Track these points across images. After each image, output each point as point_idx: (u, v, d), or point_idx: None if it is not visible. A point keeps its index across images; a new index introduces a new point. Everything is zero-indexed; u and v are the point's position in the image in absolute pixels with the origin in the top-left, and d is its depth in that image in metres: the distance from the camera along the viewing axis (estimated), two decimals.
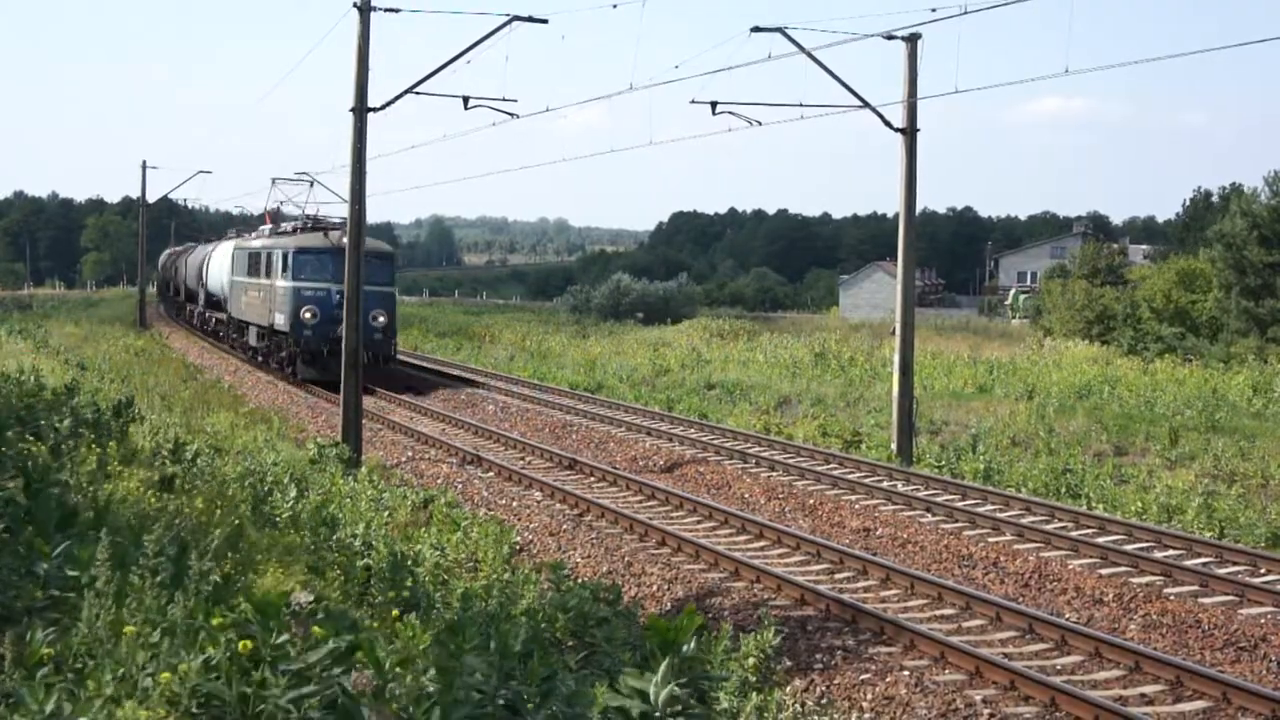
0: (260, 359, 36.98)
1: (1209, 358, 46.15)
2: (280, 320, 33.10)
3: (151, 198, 64.13)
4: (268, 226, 40.80)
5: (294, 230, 36.17)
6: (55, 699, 4.69)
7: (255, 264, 36.45)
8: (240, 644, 4.69)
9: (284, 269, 32.80)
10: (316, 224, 35.56)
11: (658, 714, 5.12)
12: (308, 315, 31.85)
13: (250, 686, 4.63)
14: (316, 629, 4.78)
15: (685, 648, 5.34)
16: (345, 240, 30.64)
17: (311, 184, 40.51)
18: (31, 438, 12.98)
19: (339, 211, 39.35)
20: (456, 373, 38.58)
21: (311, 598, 4.94)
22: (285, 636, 4.77)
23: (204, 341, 48.94)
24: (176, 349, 45.41)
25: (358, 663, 4.78)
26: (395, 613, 6.22)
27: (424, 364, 41.33)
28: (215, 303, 46.11)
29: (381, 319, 32.01)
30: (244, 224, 59.23)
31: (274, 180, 42.32)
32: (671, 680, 5.14)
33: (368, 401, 28.29)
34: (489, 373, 39.00)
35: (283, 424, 25.34)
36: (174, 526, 9.61)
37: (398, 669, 4.80)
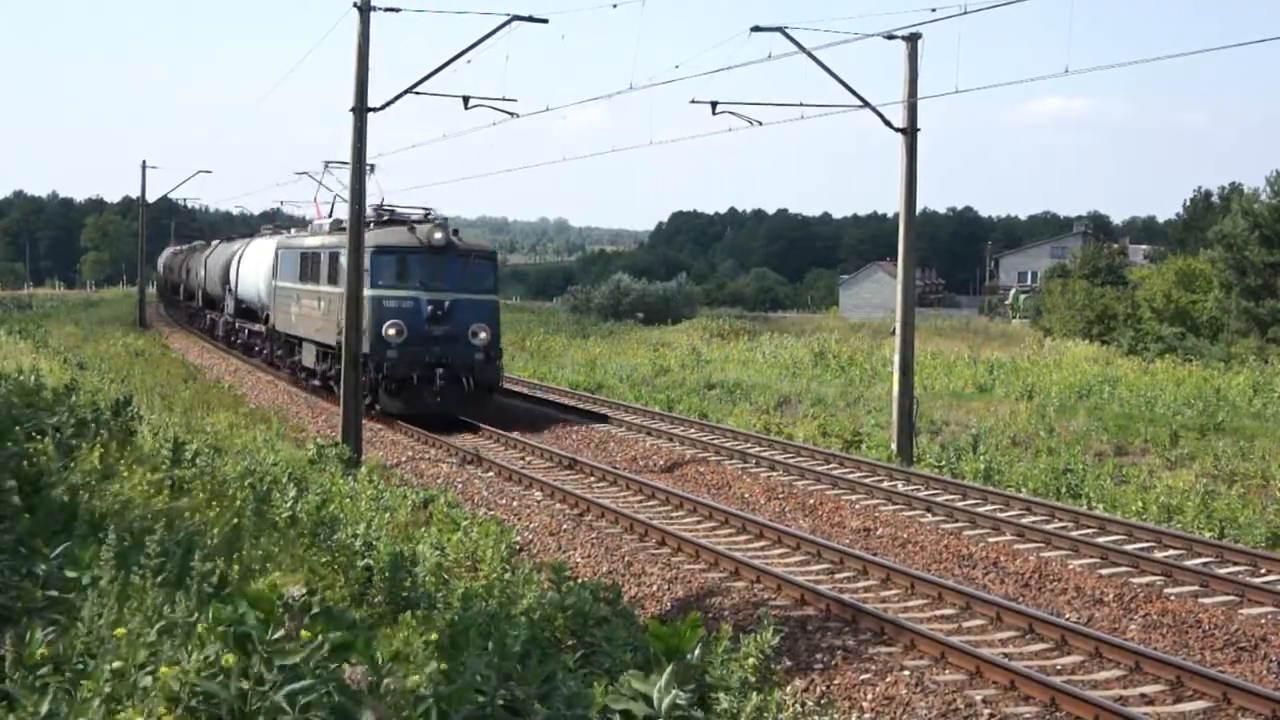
0: (320, 384, 30.22)
1: (1209, 358, 46.16)
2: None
3: (151, 198, 64.20)
4: (323, 221, 33.47)
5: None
6: (51, 698, 4.69)
7: (312, 266, 30.01)
8: (233, 647, 4.69)
9: None
10: (394, 216, 29.12)
11: (660, 718, 5.12)
12: (392, 332, 25.36)
13: (248, 682, 4.62)
14: (305, 633, 4.78)
15: (690, 655, 5.35)
16: (438, 236, 25.94)
17: (371, 169, 35.25)
18: (38, 436, 12.99)
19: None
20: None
21: (304, 591, 4.95)
22: (280, 632, 4.77)
23: (204, 341, 48.87)
24: (176, 349, 45.41)
25: (351, 660, 4.78)
26: (408, 614, 6.20)
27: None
28: (247, 311, 39.69)
29: (483, 335, 25.94)
30: (264, 222, 56.12)
31: (326, 164, 34.21)
32: (675, 687, 5.14)
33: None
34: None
35: (282, 424, 25.34)
36: (175, 527, 9.61)
37: (392, 664, 4.80)
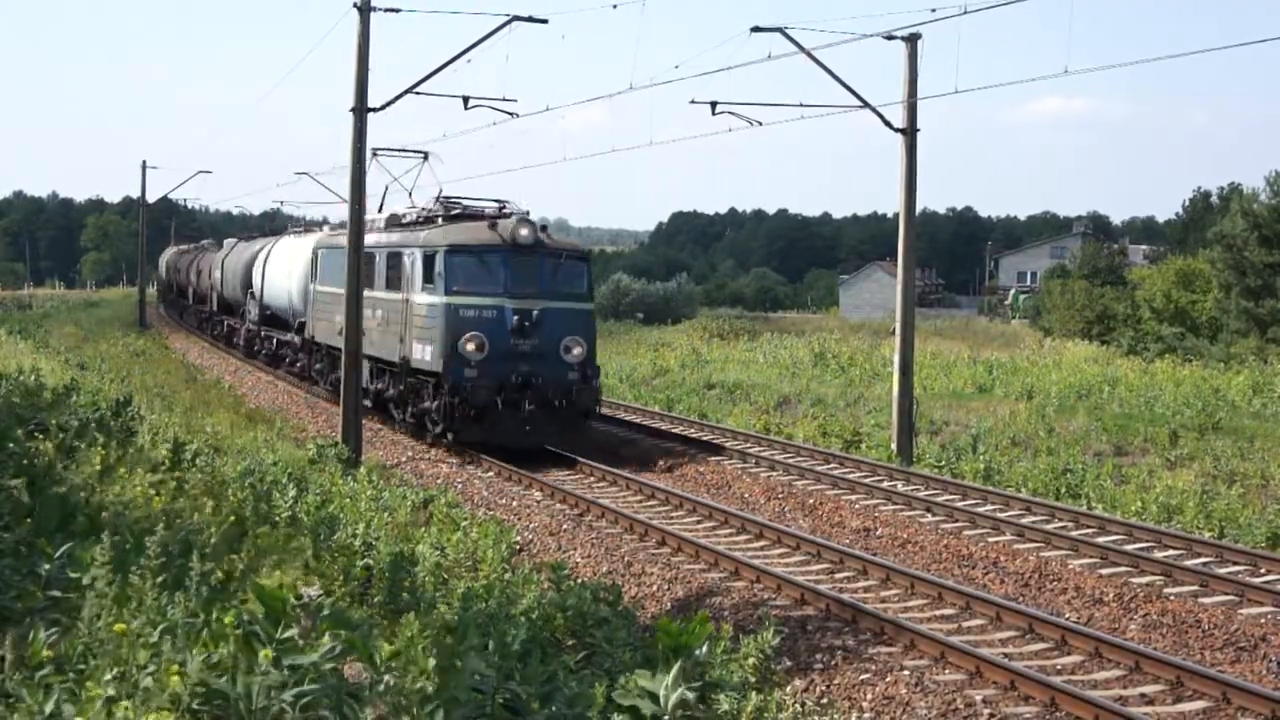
0: (373, 405, 25.78)
1: (1209, 358, 46.20)
2: (422, 354, 22.57)
3: (151, 198, 64.22)
4: (374, 216, 28.37)
5: (426, 219, 25.35)
6: (55, 699, 4.70)
7: (366, 268, 24.94)
8: (245, 642, 4.70)
9: (427, 277, 22.50)
10: (467, 210, 24.99)
11: (666, 717, 5.13)
12: (471, 347, 21.44)
13: (255, 679, 4.63)
14: (324, 640, 4.79)
15: (698, 652, 5.37)
16: (524, 233, 22.21)
17: (425, 157, 28.77)
18: (40, 435, 13.01)
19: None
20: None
21: (319, 591, 4.97)
22: (294, 630, 4.78)
23: (204, 341, 48.84)
24: (176, 349, 45.41)
25: (352, 656, 4.80)
26: (409, 614, 6.22)
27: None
28: (274, 319, 35.90)
29: (578, 350, 22.02)
30: (290, 223, 52.54)
31: (375, 152, 28.63)
32: (682, 684, 5.15)
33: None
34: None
35: (283, 424, 25.34)
36: (175, 527, 9.62)
37: (391, 664, 4.81)
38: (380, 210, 29.11)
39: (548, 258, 22.56)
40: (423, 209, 26.11)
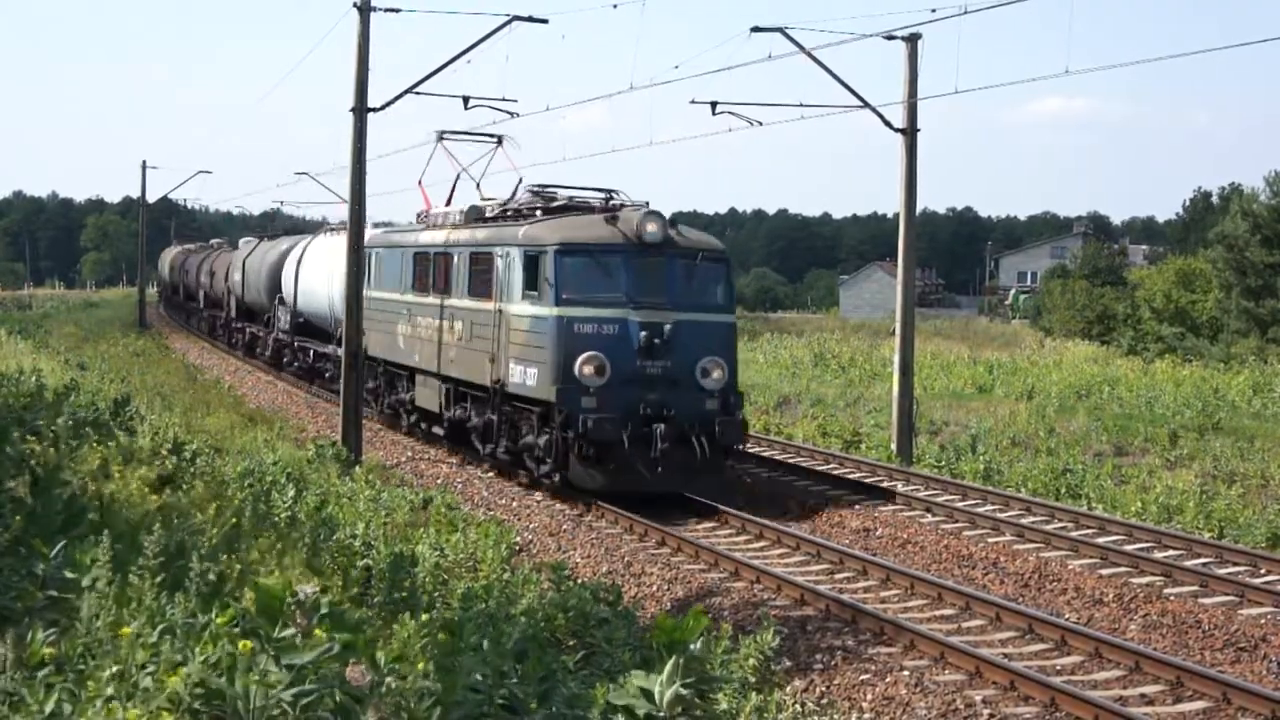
0: (446, 433, 22.71)
1: (1209, 358, 46.23)
2: (524, 377, 18.46)
3: (151, 198, 64.29)
4: (443, 210, 24.19)
5: (517, 213, 21.01)
6: (55, 699, 4.70)
7: (440, 271, 22.11)
8: (241, 644, 4.70)
9: (529, 282, 18.40)
10: (573, 201, 20.51)
11: (662, 714, 5.13)
12: (589, 370, 17.48)
13: (254, 681, 4.62)
14: (319, 632, 4.79)
15: (692, 647, 5.37)
16: (651, 229, 18.15)
17: (499, 142, 25.31)
18: (33, 437, 13.01)
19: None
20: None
21: (315, 589, 4.96)
22: (291, 630, 4.78)
23: (204, 341, 48.84)
24: (176, 350, 45.42)
25: (354, 659, 4.80)
26: (408, 614, 6.21)
27: None
28: (309, 328, 32.28)
29: (718, 373, 17.95)
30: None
31: (440, 135, 25.28)
32: (677, 680, 5.14)
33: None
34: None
35: (283, 424, 25.32)
36: (174, 527, 9.62)
37: (394, 665, 4.81)
38: (449, 203, 25.16)
39: (679, 259, 18.45)
40: (509, 201, 22.16)
